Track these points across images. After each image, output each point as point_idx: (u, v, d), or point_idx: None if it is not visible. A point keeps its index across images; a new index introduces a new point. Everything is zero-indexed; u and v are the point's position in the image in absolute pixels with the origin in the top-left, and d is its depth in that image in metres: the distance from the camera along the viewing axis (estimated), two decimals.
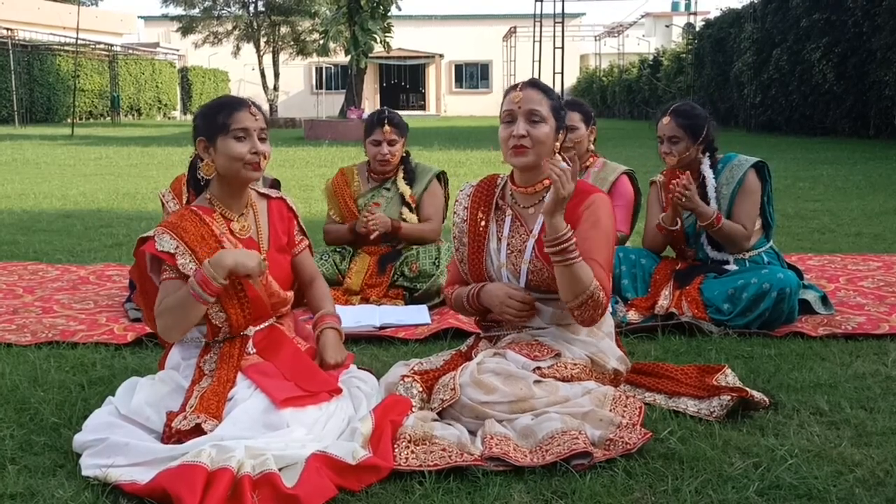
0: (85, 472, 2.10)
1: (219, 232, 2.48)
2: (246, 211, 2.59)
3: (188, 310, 2.36)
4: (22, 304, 4.02)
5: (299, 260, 2.73)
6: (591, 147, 4.01)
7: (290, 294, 2.64)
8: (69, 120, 26.43)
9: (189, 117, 35.59)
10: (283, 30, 36.29)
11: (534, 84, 2.64)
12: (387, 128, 4.10)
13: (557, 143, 2.63)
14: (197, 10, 36.68)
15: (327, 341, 2.61)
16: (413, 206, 4.17)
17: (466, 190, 2.82)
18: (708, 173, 3.62)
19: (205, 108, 2.56)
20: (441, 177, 4.33)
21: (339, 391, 2.40)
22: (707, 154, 3.63)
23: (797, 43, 18.16)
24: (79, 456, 2.19)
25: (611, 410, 2.35)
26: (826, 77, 17.09)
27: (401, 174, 4.22)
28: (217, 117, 2.47)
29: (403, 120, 4.24)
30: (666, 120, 3.59)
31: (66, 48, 30.69)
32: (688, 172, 3.54)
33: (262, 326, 2.53)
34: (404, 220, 4.13)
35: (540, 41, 25.77)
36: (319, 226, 4.40)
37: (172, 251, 2.41)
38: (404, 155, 4.24)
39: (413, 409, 2.38)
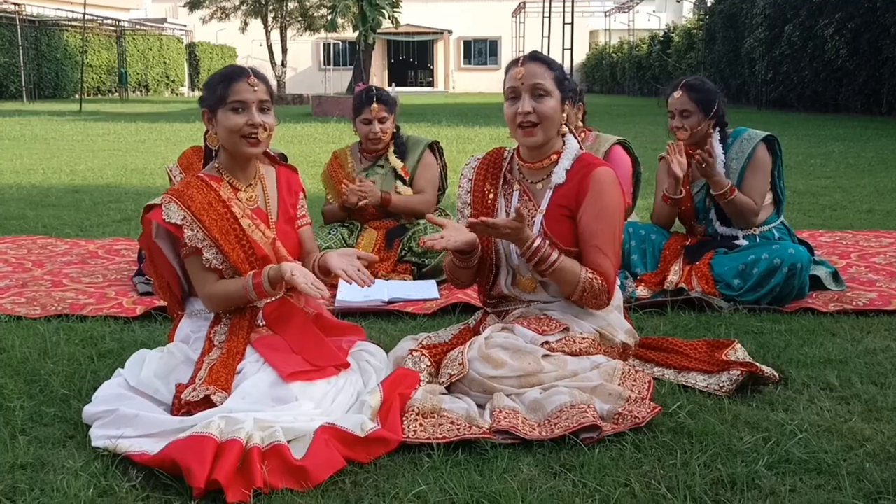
0: (95, 443, 2.11)
1: (226, 197, 2.48)
2: (254, 182, 2.58)
3: (237, 301, 2.46)
4: (31, 277, 4.03)
5: (301, 235, 2.72)
6: (580, 124, 3.98)
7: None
8: (77, 96, 26.39)
9: (197, 93, 35.46)
10: (291, 5, 36.01)
11: (535, 57, 2.61)
12: (375, 105, 4.08)
13: (564, 115, 2.61)
14: None
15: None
16: (406, 179, 4.17)
17: (472, 163, 2.81)
18: (717, 148, 3.59)
19: (210, 78, 2.55)
20: (434, 147, 4.31)
21: (346, 365, 2.41)
22: (717, 129, 3.61)
23: (810, 18, 17.95)
24: (88, 427, 2.20)
25: (619, 384, 2.35)
26: (839, 53, 16.90)
27: (391, 149, 4.21)
28: (217, 88, 2.46)
29: (391, 95, 4.21)
30: (678, 94, 3.56)
31: (74, 23, 30.58)
32: (711, 142, 3.52)
33: (272, 299, 2.53)
34: (399, 193, 4.12)
35: (549, 17, 25.55)
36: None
37: (179, 223, 2.40)
38: (394, 129, 4.22)
39: (421, 383, 2.38)
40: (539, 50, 2.77)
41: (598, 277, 2.49)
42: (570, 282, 2.49)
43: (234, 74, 2.47)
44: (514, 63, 2.62)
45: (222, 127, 2.45)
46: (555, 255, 2.47)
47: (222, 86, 2.45)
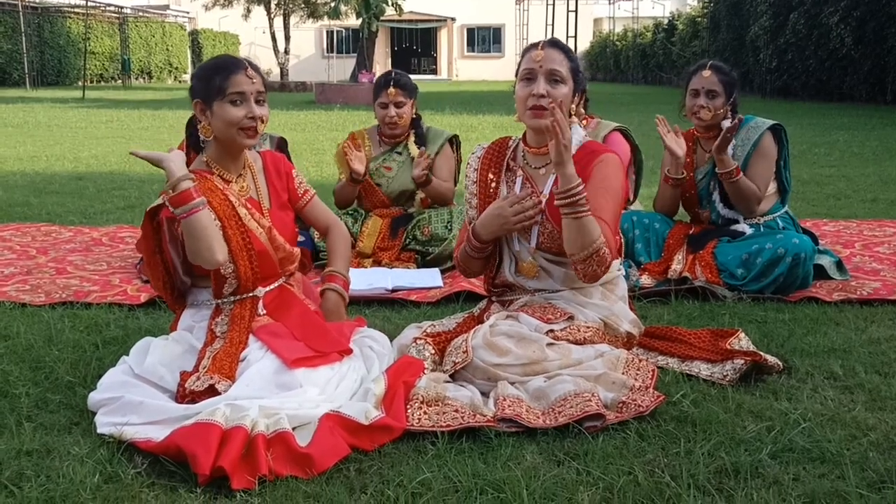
0: (100, 430, 2.12)
1: (221, 187, 2.47)
2: (244, 172, 2.57)
3: (198, 232, 2.31)
4: (36, 264, 4.04)
5: (309, 211, 2.72)
6: (582, 111, 3.97)
7: (297, 250, 2.64)
8: (80, 83, 26.35)
9: None
10: None
11: (555, 44, 2.61)
12: (392, 89, 4.06)
13: (573, 106, 2.61)
14: None
15: (327, 305, 2.65)
16: None
17: (478, 152, 2.81)
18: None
19: (202, 68, 2.52)
20: (453, 141, 4.30)
21: (349, 351, 2.41)
22: (729, 115, 3.62)
23: (815, 6, 17.85)
24: (94, 414, 2.21)
25: (623, 373, 2.35)
26: (844, 41, 16.82)
27: (412, 138, 4.19)
28: (213, 79, 2.43)
29: (412, 81, 4.19)
30: (707, 73, 3.55)
31: (76, 10, 30.50)
32: (733, 121, 3.51)
33: (271, 287, 2.53)
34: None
35: (553, 4, 25.44)
36: (331, 189, 4.39)
37: None
38: (415, 118, 4.20)
39: (425, 371, 2.38)
40: (543, 38, 2.76)
41: (606, 246, 2.45)
42: (590, 235, 2.39)
43: (231, 65, 2.45)
44: (534, 46, 2.61)
45: (220, 119, 2.43)
46: (588, 206, 2.41)
47: (220, 77, 2.42)
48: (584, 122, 3.95)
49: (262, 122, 2.46)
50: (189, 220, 2.31)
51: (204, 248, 2.33)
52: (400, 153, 4.18)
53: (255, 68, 2.49)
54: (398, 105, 4.08)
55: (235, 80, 2.42)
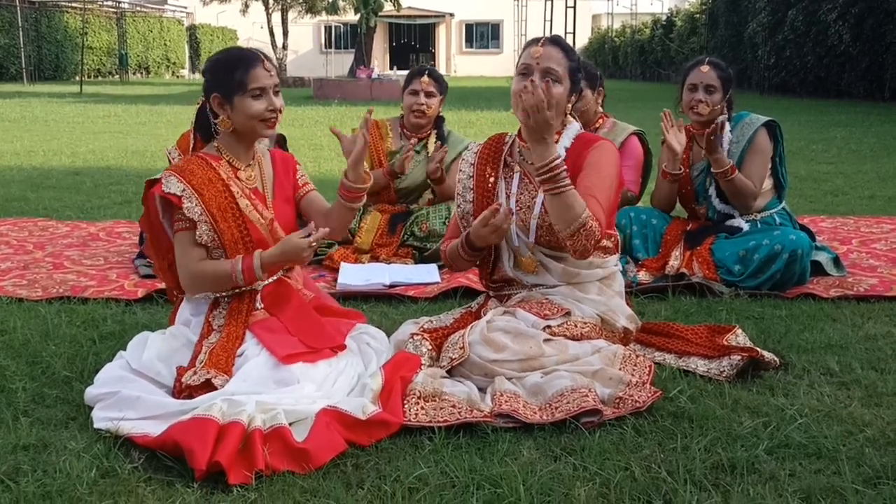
0: (97, 425, 2.12)
1: (225, 176, 2.48)
2: (252, 162, 2.58)
3: (223, 284, 2.44)
4: (33, 259, 4.03)
5: (310, 199, 2.67)
6: (600, 109, 3.99)
7: None
8: (77, 78, 26.29)
9: (198, 76, 35.38)
10: None
11: (556, 42, 2.61)
12: (425, 78, 4.10)
13: (569, 105, 2.61)
14: None
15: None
16: None
17: (473, 148, 2.82)
18: (725, 126, 3.58)
19: (218, 62, 2.52)
20: None
21: (343, 348, 2.41)
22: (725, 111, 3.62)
23: (813, 3, 17.84)
24: (90, 409, 2.21)
25: (620, 369, 2.36)
26: (842, 38, 16.81)
27: (433, 137, 4.20)
28: (233, 74, 2.44)
29: (444, 79, 4.22)
30: (706, 68, 3.56)
31: (74, 5, 30.41)
32: (724, 118, 3.50)
33: (270, 281, 2.53)
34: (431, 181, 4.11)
35: (552, 0, 25.43)
36: (330, 184, 4.38)
37: (179, 193, 2.41)
38: (440, 117, 4.21)
39: (422, 367, 2.39)
40: (542, 34, 2.76)
41: (593, 219, 2.45)
42: (574, 209, 2.40)
43: (250, 60, 2.46)
44: (535, 42, 2.61)
45: (241, 113, 2.45)
46: (568, 180, 2.43)
47: (240, 72, 2.43)
48: (601, 120, 3.96)
49: (280, 112, 2.51)
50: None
51: (207, 289, 2.48)
52: (418, 151, 4.17)
53: (269, 60, 2.53)
54: (428, 95, 4.11)
55: (255, 76, 2.44)
